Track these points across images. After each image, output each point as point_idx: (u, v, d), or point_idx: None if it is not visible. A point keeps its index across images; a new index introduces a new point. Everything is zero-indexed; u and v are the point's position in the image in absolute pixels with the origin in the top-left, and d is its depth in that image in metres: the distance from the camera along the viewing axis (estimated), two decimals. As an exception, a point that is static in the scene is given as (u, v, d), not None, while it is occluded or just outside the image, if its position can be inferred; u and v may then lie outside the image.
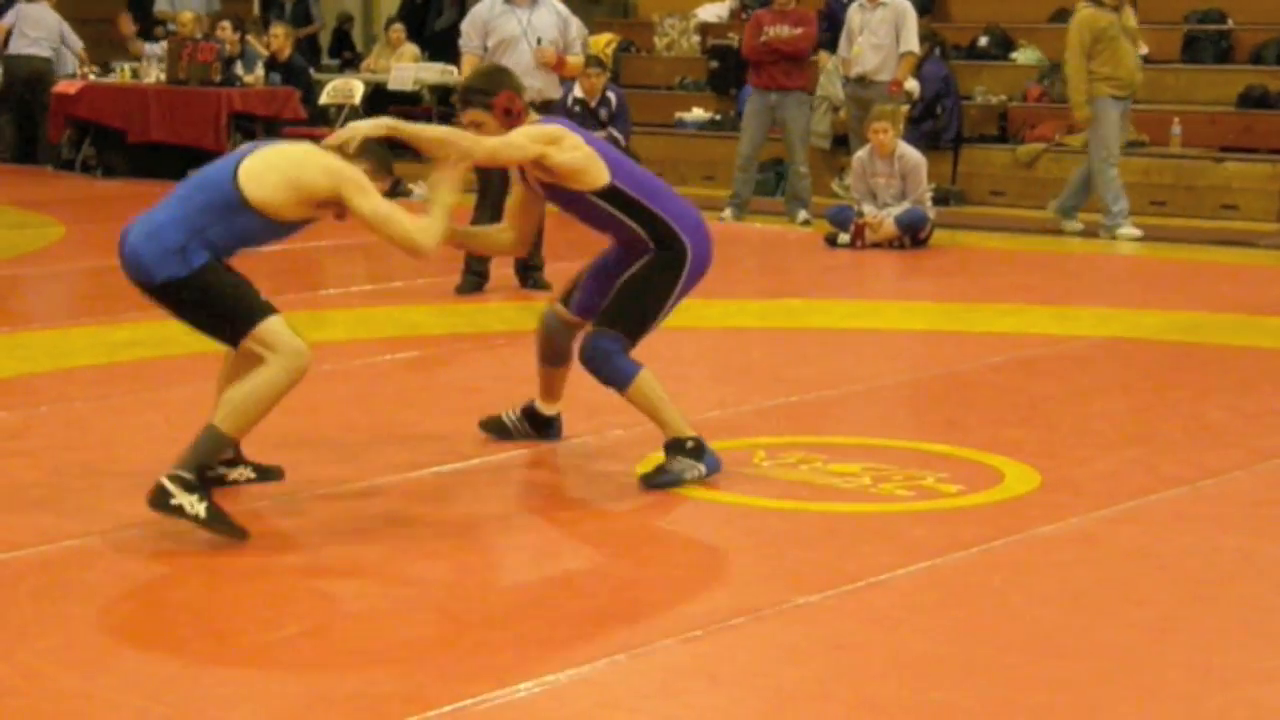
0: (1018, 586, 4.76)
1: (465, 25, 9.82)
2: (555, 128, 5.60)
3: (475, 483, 5.74)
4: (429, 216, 5.25)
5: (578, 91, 12.88)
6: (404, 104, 16.88)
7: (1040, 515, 5.36)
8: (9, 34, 16.16)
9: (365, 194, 5.08)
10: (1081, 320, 8.95)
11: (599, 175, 5.52)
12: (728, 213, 12.90)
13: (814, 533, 5.20)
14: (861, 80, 12.70)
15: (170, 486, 4.87)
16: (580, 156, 5.50)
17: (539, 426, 6.11)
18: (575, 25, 9.83)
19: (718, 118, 15.73)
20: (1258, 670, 4.14)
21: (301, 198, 5.04)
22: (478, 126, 5.59)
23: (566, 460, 6.06)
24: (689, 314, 8.97)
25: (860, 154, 11.66)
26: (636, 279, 5.61)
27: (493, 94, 5.60)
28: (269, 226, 5.07)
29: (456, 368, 7.77)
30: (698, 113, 15.98)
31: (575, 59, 9.83)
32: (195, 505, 4.86)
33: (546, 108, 9.49)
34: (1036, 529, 5.23)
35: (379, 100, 16.74)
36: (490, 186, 9.24)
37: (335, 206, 5.12)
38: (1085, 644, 4.31)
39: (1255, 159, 13.04)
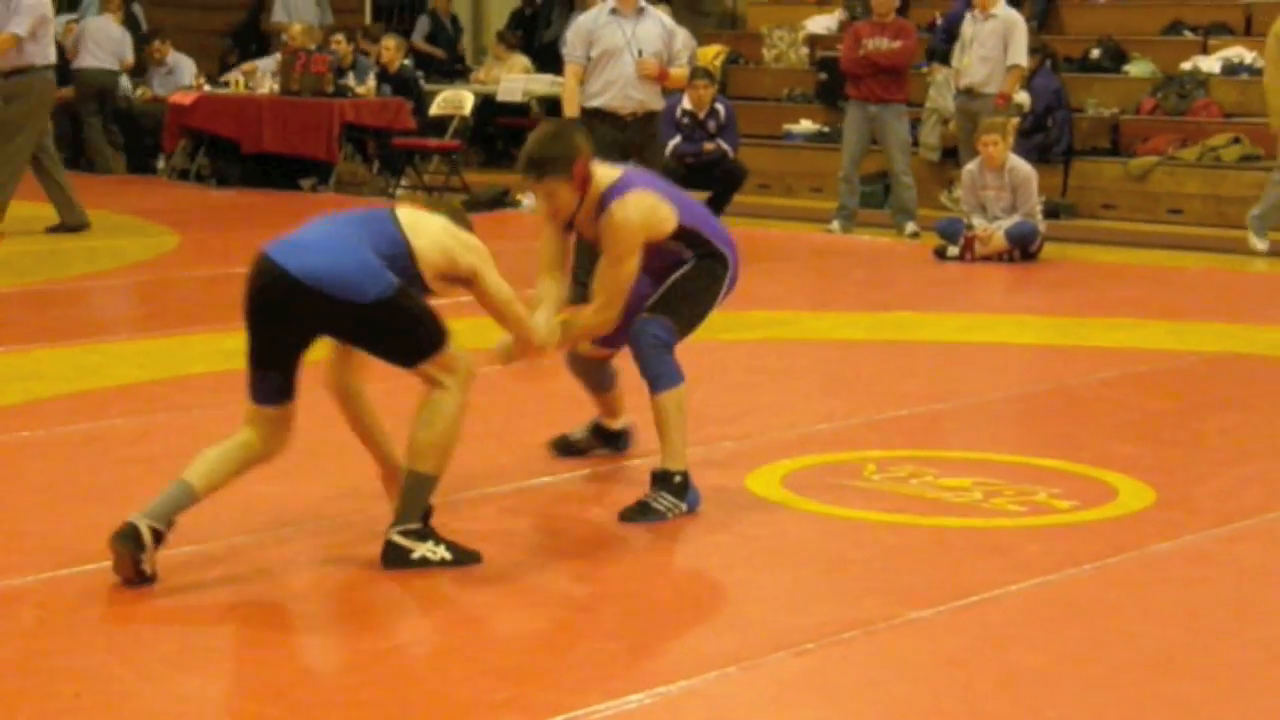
0: (1133, 604, 4.71)
1: (569, 34, 9.87)
2: (631, 210, 5.41)
3: (584, 493, 5.76)
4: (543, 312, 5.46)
5: (686, 103, 12.90)
6: (512, 115, 17.01)
7: (1155, 532, 5.30)
8: (75, 46, 16.40)
9: (495, 273, 5.06)
10: (1196, 335, 8.85)
11: (670, 222, 5.50)
12: (835, 224, 12.86)
13: (925, 547, 5.17)
14: (970, 92, 12.62)
15: (404, 543, 4.81)
16: (659, 220, 5.47)
17: (608, 440, 6.13)
18: (681, 37, 9.84)
19: (825, 130, 15.69)
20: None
21: (446, 263, 4.95)
22: (551, 197, 5.36)
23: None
24: (798, 326, 8.99)
25: (970, 166, 11.59)
26: (687, 280, 5.55)
27: (572, 160, 5.31)
28: (415, 283, 4.89)
29: (566, 377, 7.79)
30: (806, 124, 15.95)
31: (679, 71, 9.85)
32: (436, 550, 4.83)
33: (649, 119, 9.52)
34: (1152, 546, 5.18)
35: (488, 111, 16.87)
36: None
37: (460, 283, 5.05)
38: (1203, 664, 4.25)
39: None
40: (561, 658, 4.29)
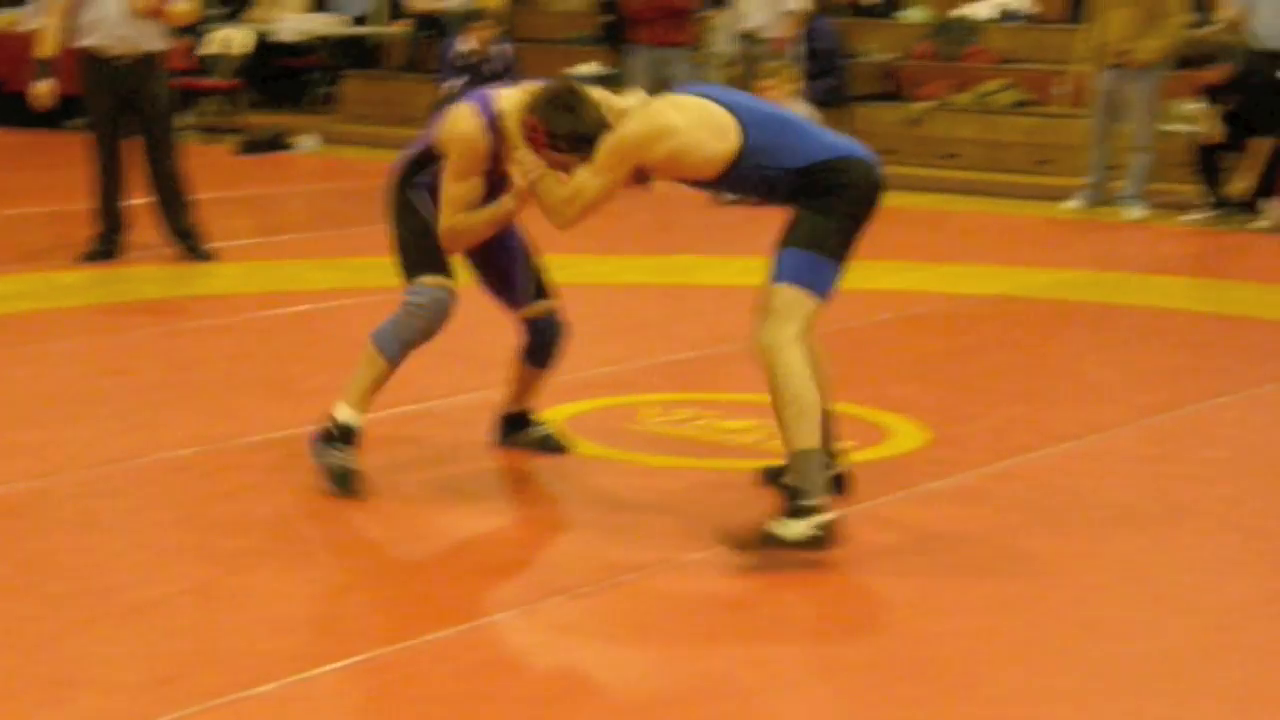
0: (904, 543, 4.79)
1: None
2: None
3: (362, 440, 5.67)
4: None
5: (467, 44, 12.77)
6: (293, 56, 16.69)
7: (927, 471, 5.40)
8: None
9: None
10: (969, 278, 9.02)
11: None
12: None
13: (705, 490, 5.20)
14: (750, 37, 12.70)
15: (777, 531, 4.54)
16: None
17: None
18: None
19: (610, 72, 15.65)
20: (1131, 621, 4.20)
21: None
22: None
23: (449, 419, 6.01)
24: (580, 270, 8.97)
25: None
26: None
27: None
28: None
29: (341, 322, 7.69)
30: (589, 67, 15.90)
31: (182, 6, 8.87)
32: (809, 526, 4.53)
33: (146, 62, 8.65)
34: (923, 485, 5.27)
35: (266, 53, 16.53)
36: None
37: None
38: (967, 599, 4.34)
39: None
40: (337, 606, 4.23)
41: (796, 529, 4.52)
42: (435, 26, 15.65)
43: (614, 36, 15.77)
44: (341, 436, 5.07)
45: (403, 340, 5.11)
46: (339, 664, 3.81)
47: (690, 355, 7.06)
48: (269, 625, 4.05)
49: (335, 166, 13.61)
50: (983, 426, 6.03)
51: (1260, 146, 10.52)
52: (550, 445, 5.53)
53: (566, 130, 4.84)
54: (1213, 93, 10.77)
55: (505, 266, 5.34)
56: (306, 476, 5.21)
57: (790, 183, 4.78)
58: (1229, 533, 4.91)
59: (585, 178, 4.81)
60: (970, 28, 14.58)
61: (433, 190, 5.16)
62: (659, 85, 12.78)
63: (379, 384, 5.14)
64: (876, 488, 5.18)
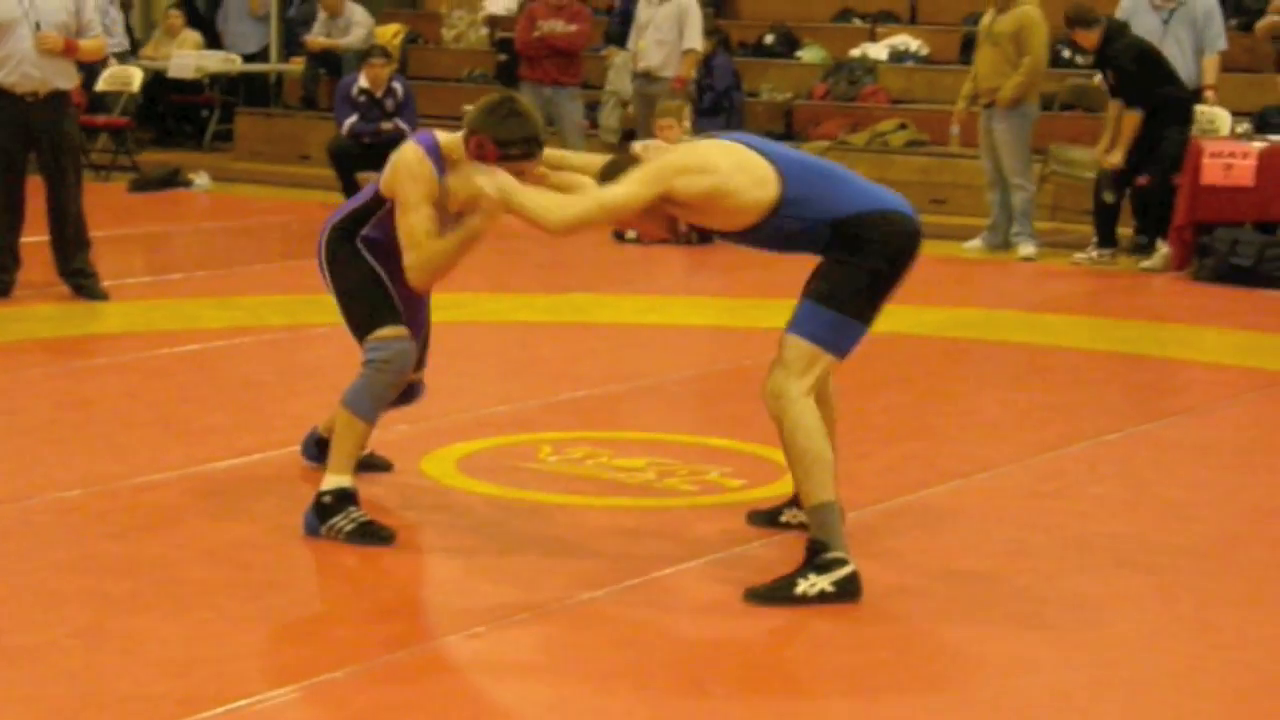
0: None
1: None
2: None
3: (253, 479, 5.63)
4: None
5: (363, 82, 12.73)
6: (186, 93, 16.57)
7: (822, 509, 5.42)
8: None
9: None
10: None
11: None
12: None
13: (598, 528, 5.20)
14: (647, 76, 12.77)
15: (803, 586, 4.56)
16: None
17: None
18: (91, 3, 8.82)
19: (506, 111, 15.67)
20: (1021, 658, 4.24)
21: None
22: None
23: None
24: (476, 308, 8.96)
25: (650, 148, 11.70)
26: None
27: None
28: None
29: (234, 361, 7.63)
30: (485, 106, 15.90)
31: (90, 43, 8.75)
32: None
33: (56, 99, 8.59)
34: (818, 522, 5.28)
35: (159, 88, 16.40)
36: None
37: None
38: (864, 635, 4.37)
39: (1035, 159, 13.35)
40: (223, 648, 4.18)
41: (821, 582, 4.54)
42: (330, 64, 15.59)
43: (508, 75, 15.81)
44: (339, 502, 4.98)
45: (375, 398, 5.04)
46: (229, 706, 3.77)
47: (587, 393, 7.06)
48: (158, 668, 4.00)
49: (228, 204, 13.50)
50: (876, 464, 6.07)
51: (1131, 119, 10.61)
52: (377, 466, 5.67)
53: (517, 135, 4.83)
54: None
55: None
56: (197, 517, 5.16)
57: (824, 235, 4.69)
58: (1120, 568, 4.97)
59: (613, 188, 4.67)
60: (866, 68, 14.74)
61: (378, 245, 5.11)
62: (546, 124, 12.82)
63: (361, 446, 5.11)
64: (772, 525, 5.20)
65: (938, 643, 4.37)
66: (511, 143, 4.83)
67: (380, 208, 5.11)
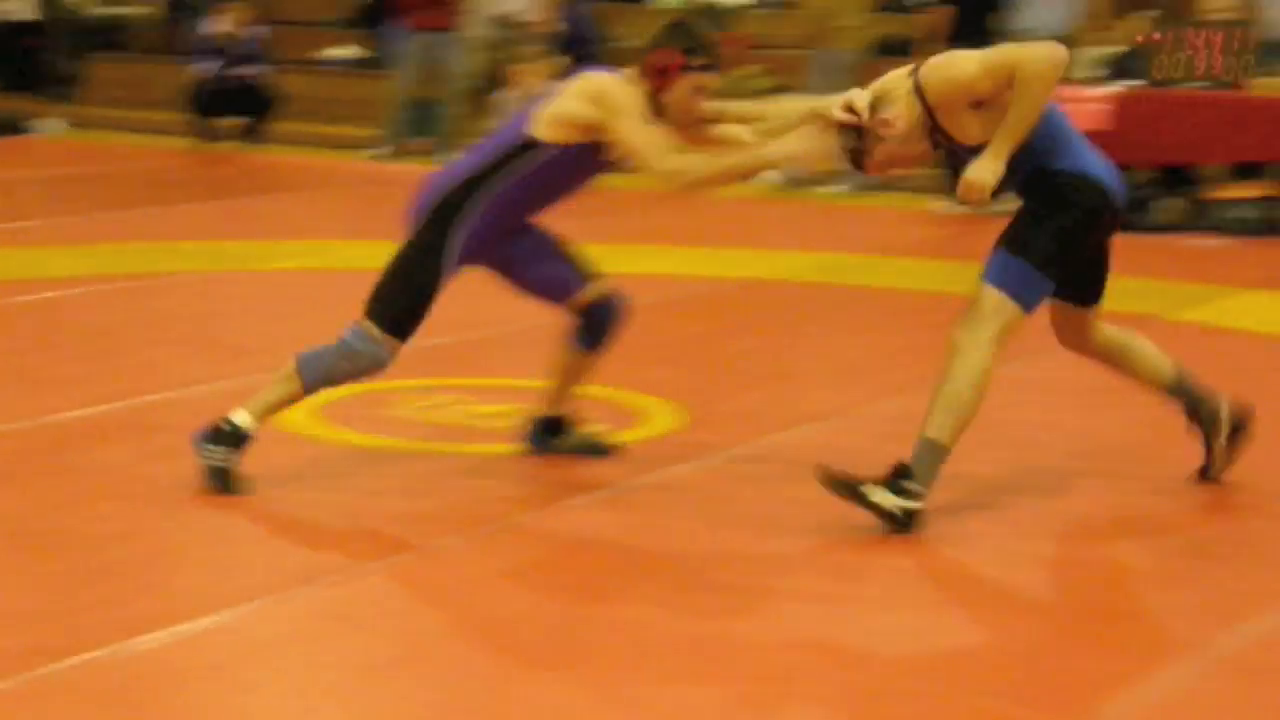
0: (657, 524, 4.82)
1: None
2: None
3: (104, 428, 5.55)
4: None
5: (221, 25, 12.53)
6: (33, 37, 16.19)
7: (682, 453, 5.45)
8: None
9: None
10: (721, 262, 9.12)
11: None
12: (379, 152, 12.75)
13: (455, 475, 5.18)
14: (506, 21, 12.70)
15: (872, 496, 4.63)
16: None
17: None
18: None
19: (368, 55, 15.49)
20: (875, 598, 4.29)
21: None
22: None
23: (201, 407, 5.89)
24: (337, 255, 8.87)
25: (507, 95, 11.64)
26: None
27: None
28: None
29: (84, 310, 7.49)
30: (346, 50, 15.71)
31: None
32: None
33: (25, 29, 8.41)
34: (678, 466, 5.32)
35: (4, 34, 16.00)
36: None
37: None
38: (719, 575, 4.40)
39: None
40: (77, 598, 4.12)
41: (889, 500, 4.60)
42: (186, 8, 15.31)
43: (372, 19, 15.61)
44: (231, 437, 4.87)
45: (326, 376, 4.93)
46: (79, 658, 3.71)
47: (448, 340, 7.01)
48: (4, 621, 3.93)
49: (80, 151, 13.25)
50: (735, 406, 6.11)
51: None
52: (595, 449, 5.34)
53: (701, 43, 4.82)
54: None
55: (537, 261, 5.15)
56: (45, 467, 5.07)
57: (1037, 180, 4.76)
58: (971, 509, 5.02)
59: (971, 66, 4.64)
60: (724, 13, 14.74)
61: (504, 200, 4.91)
62: (429, 70, 12.71)
63: (285, 405, 4.98)
64: (634, 468, 5.21)
65: (790, 585, 4.41)
66: (698, 48, 4.80)
67: (521, 155, 4.88)
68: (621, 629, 4.03)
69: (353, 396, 5.98)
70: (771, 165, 4.96)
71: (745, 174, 4.95)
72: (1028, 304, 4.76)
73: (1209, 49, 10.20)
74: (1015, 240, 4.78)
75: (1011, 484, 5.23)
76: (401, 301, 4.93)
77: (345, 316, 7.41)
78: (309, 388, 4.94)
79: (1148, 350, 5.12)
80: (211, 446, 4.88)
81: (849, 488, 4.65)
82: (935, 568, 4.54)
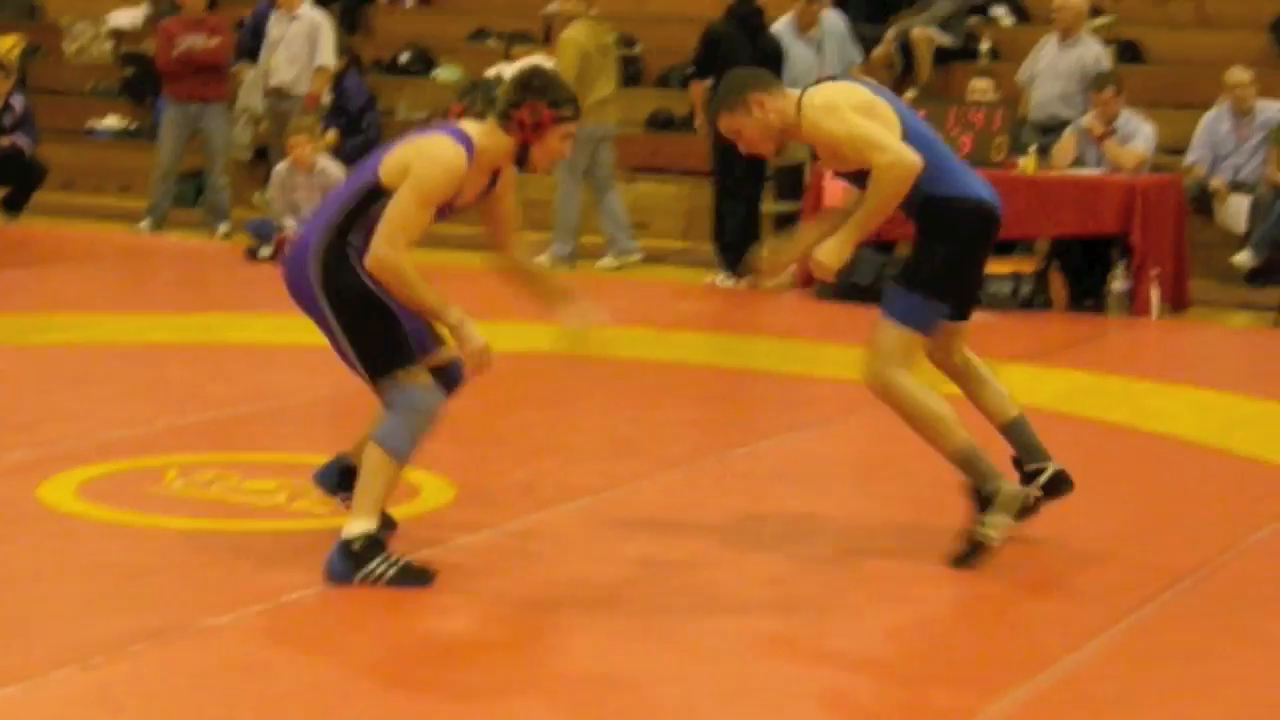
0: (436, 601, 4.78)
1: None
2: None
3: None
4: None
5: (-18, 95, 12.23)
6: None
7: (455, 527, 5.41)
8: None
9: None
10: (498, 335, 9.08)
11: None
12: (145, 224, 12.55)
13: (225, 553, 5.08)
14: (279, 92, 12.61)
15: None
16: None
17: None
18: None
19: (133, 127, 15.25)
20: (657, 670, 4.30)
21: None
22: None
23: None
24: (102, 329, 8.67)
25: (280, 167, 11.52)
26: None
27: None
28: None
29: None
30: (112, 120, 15.45)
31: None
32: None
33: None
34: (452, 541, 5.28)
35: None
36: None
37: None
38: (484, 649, 4.37)
39: (663, 179, 13.59)
40: None
41: (1002, 522, 4.97)
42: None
43: (136, 90, 15.38)
44: (372, 549, 4.73)
45: (412, 438, 4.83)
46: None
47: (217, 415, 6.90)
48: None
49: None
50: (510, 482, 6.09)
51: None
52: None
53: (565, 94, 4.85)
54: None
55: (405, 314, 4.97)
56: None
57: (927, 208, 5.05)
58: (744, 582, 5.07)
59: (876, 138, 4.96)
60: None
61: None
62: (196, 142, 12.53)
63: (391, 489, 4.87)
64: (405, 545, 5.14)
65: (569, 656, 4.40)
66: (563, 102, 4.82)
67: (376, 202, 4.79)
68: (385, 707, 3.98)
69: (114, 474, 5.85)
70: (450, 328, 4.93)
71: (434, 314, 4.92)
72: (924, 328, 5.10)
73: (971, 129, 10.51)
74: (908, 274, 5.13)
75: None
76: (383, 340, 4.85)
77: (116, 391, 7.32)
78: (404, 457, 4.83)
79: (1001, 389, 5.36)
80: (368, 568, 4.72)
81: (977, 548, 5.01)
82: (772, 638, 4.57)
